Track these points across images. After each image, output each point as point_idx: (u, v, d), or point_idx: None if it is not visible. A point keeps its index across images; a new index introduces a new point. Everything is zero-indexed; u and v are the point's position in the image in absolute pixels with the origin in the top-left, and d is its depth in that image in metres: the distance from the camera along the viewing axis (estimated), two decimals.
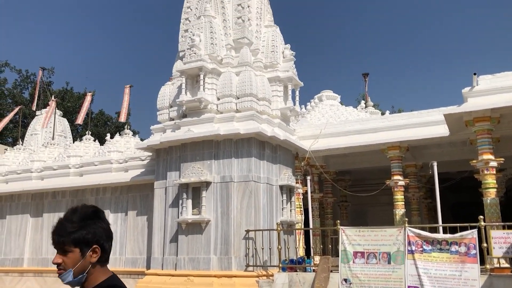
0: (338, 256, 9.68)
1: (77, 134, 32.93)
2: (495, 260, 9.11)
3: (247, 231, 10.94)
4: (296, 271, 10.51)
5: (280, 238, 10.84)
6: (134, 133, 17.71)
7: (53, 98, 22.24)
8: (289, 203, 12.42)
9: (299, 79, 13.06)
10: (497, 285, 8.50)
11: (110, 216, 13.86)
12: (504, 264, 9.19)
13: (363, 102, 22.67)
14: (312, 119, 17.73)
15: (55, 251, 2.00)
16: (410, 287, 8.80)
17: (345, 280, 9.39)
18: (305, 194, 13.22)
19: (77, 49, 68.02)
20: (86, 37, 67.97)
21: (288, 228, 12.16)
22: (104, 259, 1.98)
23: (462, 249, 8.58)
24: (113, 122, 37.91)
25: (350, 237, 9.55)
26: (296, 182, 12.91)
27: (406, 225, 9.26)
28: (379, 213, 17.04)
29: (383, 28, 66.14)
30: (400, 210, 12.64)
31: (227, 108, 11.85)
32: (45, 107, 22.76)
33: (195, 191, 11.52)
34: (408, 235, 9.03)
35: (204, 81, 11.81)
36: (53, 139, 19.31)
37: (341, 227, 9.83)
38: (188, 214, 11.40)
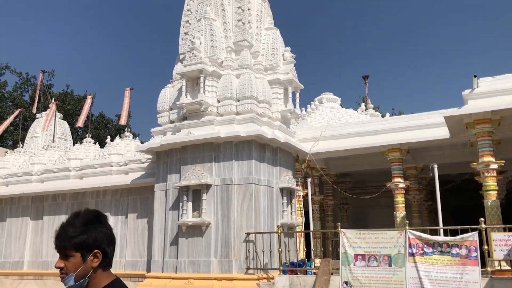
0: (339, 259, 9.66)
1: (77, 136, 32.94)
2: (496, 263, 9.09)
3: (248, 234, 10.92)
4: (296, 274, 10.49)
5: (280, 241, 10.83)
6: (135, 136, 17.72)
7: (53, 100, 22.24)
8: (289, 205, 12.41)
9: (299, 82, 13.06)
10: (498, 287, 8.48)
11: (111, 219, 13.84)
12: (505, 266, 9.17)
13: (363, 104, 22.69)
14: (313, 122, 17.73)
15: (55, 254, 2.01)
16: None
17: (346, 282, 9.36)
18: (305, 197, 13.21)
19: (77, 52, 68.14)
20: (86, 39, 68.09)
21: (288, 230, 12.14)
22: (106, 264, 1.99)
23: (463, 251, 8.56)
24: (114, 124, 37.92)
25: (351, 240, 9.53)
26: (297, 185, 12.90)
27: (407, 227, 9.24)
28: (379, 215, 17.02)
29: (383, 30, 66.26)
30: (400, 213, 12.63)
31: (228, 110, 11.85)
32: (45, 110, 22.77)
33: (195, 193, 11.51)
34: (408, 238, 9.02)
35: (204, 83, 11.82)
36: (53, 141, 19.31)
37: (342, 229, 9.81)
38: (188, 216, 11.39)
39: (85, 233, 1.95)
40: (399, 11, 67.75)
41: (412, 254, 8.91)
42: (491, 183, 10.32)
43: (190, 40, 12.40)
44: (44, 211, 15.54)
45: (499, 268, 9.03)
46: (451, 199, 17.63)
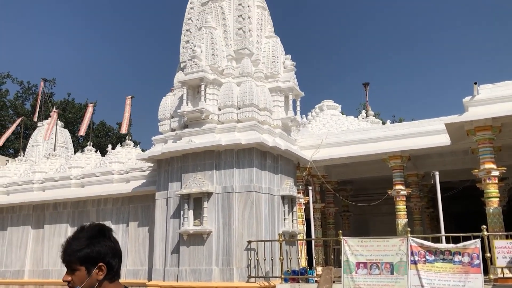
0: (341, 267, 9.63)
1: (78, 145, 32.97)
2: (499, 270, 9.04)
3: (249, 242, 10.89)
4: (298, 282, 10.45)
5: (282, 249, 10.79)
6: (136, 144, 17.72)
7: (54, 109, 22.30)
8: (290, 213, 12.38)
9: (300, 89, 13.09)
10: None
11: (112, 227, 13.78)
12: (508, 274, 9.12)
13: (364, 111, 22.71)
14: (313, 129, 17.74)
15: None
16: None
17: None
18: (306, 204, 13.19)
19: (79, 60, 68.41)
20: (88, 48, 68.39)
21: (290, 238, 12.11)
22: (112, 276, 2.05)
23: (466, 259, 8.53)
24: (115, 132, 37.98)
25: (353, 248, 9.50)
26: (298, 192, 12.88)
27: (409, 235, 9.22)
28: (381, 223, 16.97)
29: (383, 38, 66.48)
30: (402, 220, 12.59)
31: (228, 118, 11.87)
32: (46, 118, 22.84)
33: (196, 201, 11.49)
34: (410, 245, 8.99)
35: (205, 91, 11.85)
36: (54, 150, 19.34)
37: (343, 237, 9.78)
38: (189, 225, 11.37)
39: (89, 247, 2.00)
40: (399, 19, 68.05)
41: (414, 262, 8.88)
42: (492, 190, 10.30)
43: (191, 48, 12.45)
44: (45, 220, 15.51)
45: (501, 275, 8.98)
46: (452, 206, 17.59)
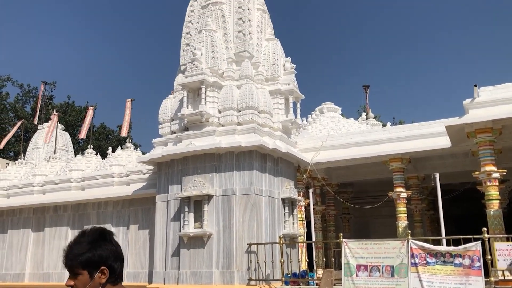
0: (341, 269, 9.62)
1: (78, 147, 32.98)
2: (500, 273, 9.03)
3: (249, 245, 10.89)
4: (299, 284, 10.44)
5: (282, 252, 10.78)
6: (136, 147, 17.70)
7: (54, 112, 22.31)
8: (291, 216, 12.38)
9: (300, 92, 13.11)
10: None
11: (112, 230, 13.78)
12: (509, 276, 9.11)
13: (364, 114, 22.70)
14: (314, 132, 17.74)
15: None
16: None
17: None
18: (307, 207, 13.18)
19: (79, 63, 68.50)
20: (88, 50, 68.49)
21: (290, 241, 12.10)
22: (114, 279, 2.06)
23: (466, 261, 8.52)
24: (115, 135, 37.99)
25: (353, 250, 9.49)
26: (298, 195, 12.87)
27: (409, 237, 9.21)
28: (381, 225, 16.96)
29: (383, 40, 66.55)
30: (402, 222, 12.58)
31: (229, 121, 11.88)
32: (47, 121, 22.84)
33: (197, 204, 11.49)
34: (411, 248, 8.98)
35: (205, 94, 11.86)
36: (55, 153, 19.34)
37: (344, 240, 9.78)
38: (190, 227, 11.36)
39: (90, 251, 2.02)
40: (399, 21, 68.13)
41: (415, 264, 8.87)
42: (493, 192, 10.29)
43: (191, 51, 12.47)
44: (46, 223, 15.50)
45: (502, 278, 8.97)
46: (453, 208, 17.56)
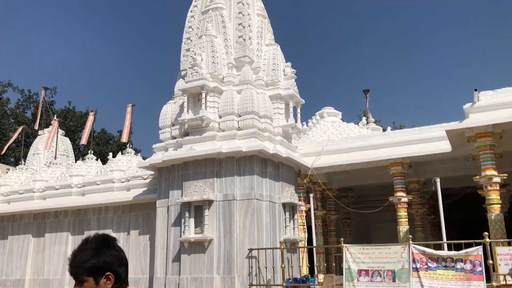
0: (343, 274, 9.59)
1: (79, 153, 32.98)
2: (501, 277, 9.00)
3: (250, 250, 10.86)
4: None
5: (283, 257, 10.75)
6: (136, 152, 17.71)
7: (55, 117, 22.34)
8: (292, 221, 12.35)
9: (300, 96, 13.12)
10: None
11: (112, 236, 13.76)
12: (511, 281, 9.08)
13: (364, 118, 22.72)
14: (314, 136, 17.74)
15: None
16: None
17: None
18: (308, 212, 13.17)
19: (80, 68, 68.63)
20: (89, 56, 68.64)
21: (291, 246, 12.07)
22: (120, 284, 2.07)
23: (468, 266, 8.49)
24: (115, 140, 38.00)
25: (354, 255, 9.47)
26: (299, 200, 12.86)
27: (410, 242, 9.19)
28: (382, 230, 16.92)
29: (383, 45, 66.68)
30: (403, 227, 12.56)
31: (229, 126, 11.89)
32: (47, 127, 22.86)
33: (197, 209, 11.47)
34: (412, 252, 8.95)
35: (206, 99, 11.88)
36: (55, 158, 19.35)
37: (345, 244, 9.75)
38: (190, 233, 11.34)
39: (95, 258, 2.02)
40: (399, 26, 68.30)
41: (416, 269, 8.84)
42: (494, 196, 10.28)
43: (191, 56, 12.50)
44: (46, 228, 15.48)
45: (504, 282, 8.94)
46: (454, 213, 17.55)
